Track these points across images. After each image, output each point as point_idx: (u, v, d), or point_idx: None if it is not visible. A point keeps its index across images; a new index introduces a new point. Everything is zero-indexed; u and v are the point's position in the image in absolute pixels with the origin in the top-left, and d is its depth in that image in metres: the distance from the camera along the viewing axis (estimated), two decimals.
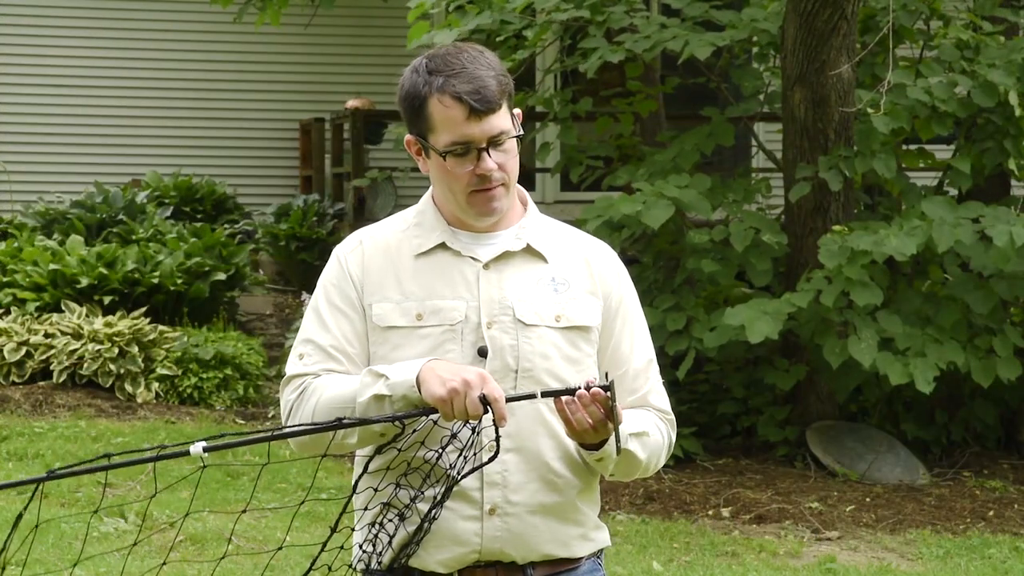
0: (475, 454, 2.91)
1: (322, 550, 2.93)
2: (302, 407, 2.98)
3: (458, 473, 2.91)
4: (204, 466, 2.80)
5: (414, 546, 2.97)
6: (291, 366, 3.04)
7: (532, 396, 2.88)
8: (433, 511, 2.93)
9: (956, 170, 9.59)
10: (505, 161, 2.97)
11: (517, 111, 3.04)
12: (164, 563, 2.90)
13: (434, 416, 2.85)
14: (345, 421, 2.85)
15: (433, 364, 2.87)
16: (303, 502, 2.99)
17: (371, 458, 2.94)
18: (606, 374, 2.91)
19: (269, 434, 2.85)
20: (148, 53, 13.95)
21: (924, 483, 9.35)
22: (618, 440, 2.87)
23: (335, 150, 13.57)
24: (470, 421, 2.84)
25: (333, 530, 2.94)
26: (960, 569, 7.71)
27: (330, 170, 13.74)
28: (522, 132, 3.01)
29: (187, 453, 2.73)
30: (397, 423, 2.85)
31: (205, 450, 2.74)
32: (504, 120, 2.96)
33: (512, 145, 2.98)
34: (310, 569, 2.93)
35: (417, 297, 3.01)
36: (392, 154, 13.28)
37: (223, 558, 2.94)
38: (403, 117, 3.02)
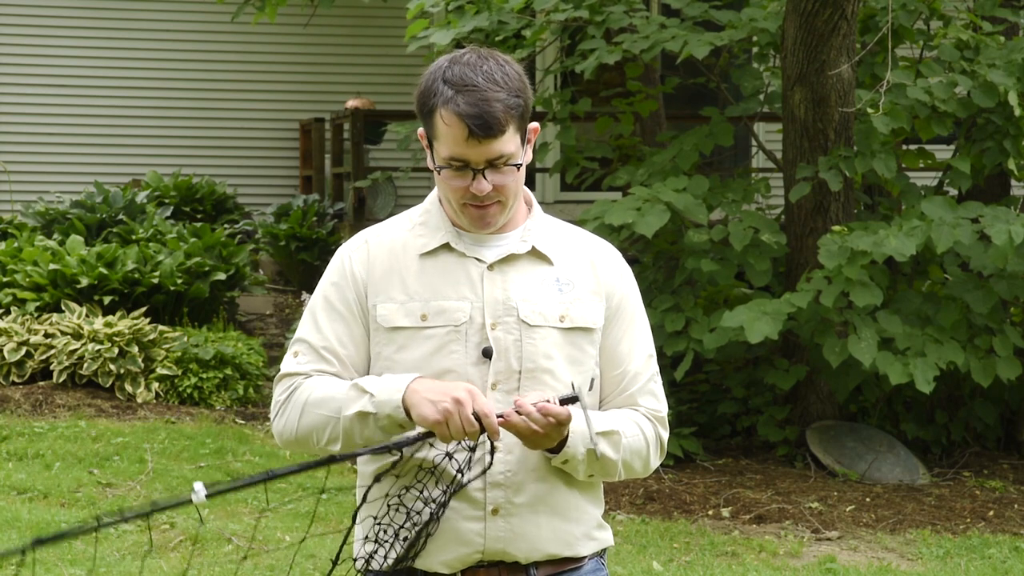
0: (484, 468, 2.92)
1: (314, 531, 2.93)
2: (289, 409, 3.01)
3: (458, 480, 2.92)
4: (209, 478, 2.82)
5: (413, 555, 2.97)
6: (286, 364, 3.06)
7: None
8: (433, 517, 2.93)
9: (956, 170, 9.60)
10: (503, 183, 2.95)
11: (534, 126, 3.00)
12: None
13: (431, 440, 2.86)
14: (338, 456, 2.88)
15: (417, 386, 2.86)
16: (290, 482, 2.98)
17: (379, 467, 2.96)
18: (572, 384, 2.91)
19: (265, 475, 2.85)
20: (148, 53, 13.96)
21: (924, 483, 9.35)
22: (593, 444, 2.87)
23: (335, 150, 13.58)
24: (466, 440, 2.84)
25: (335, 563, 2.94)
26: (960, 569, 7.71)
27: (330, 170, 13.74)
28: (526, 159, 2.97)
29: (190, 501, 2.76)
30: (394, 451, 2.87)
31: (208, 496, 2.76)
32: (507, 144, 2.92)
33: (513, 167, 2.95)
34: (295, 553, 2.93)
35: (422, 297, 3.01)
36: (392, 154, 13.30)
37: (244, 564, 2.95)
38: (416, 112, 3.01)
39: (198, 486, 2.74)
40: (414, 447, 2.88)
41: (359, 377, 3.01)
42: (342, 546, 3.00)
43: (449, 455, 2.90)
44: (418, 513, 2.94)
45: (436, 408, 2.80)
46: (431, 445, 2.89)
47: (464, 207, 2.97)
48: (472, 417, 2.79)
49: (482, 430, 2.82)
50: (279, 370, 3.07)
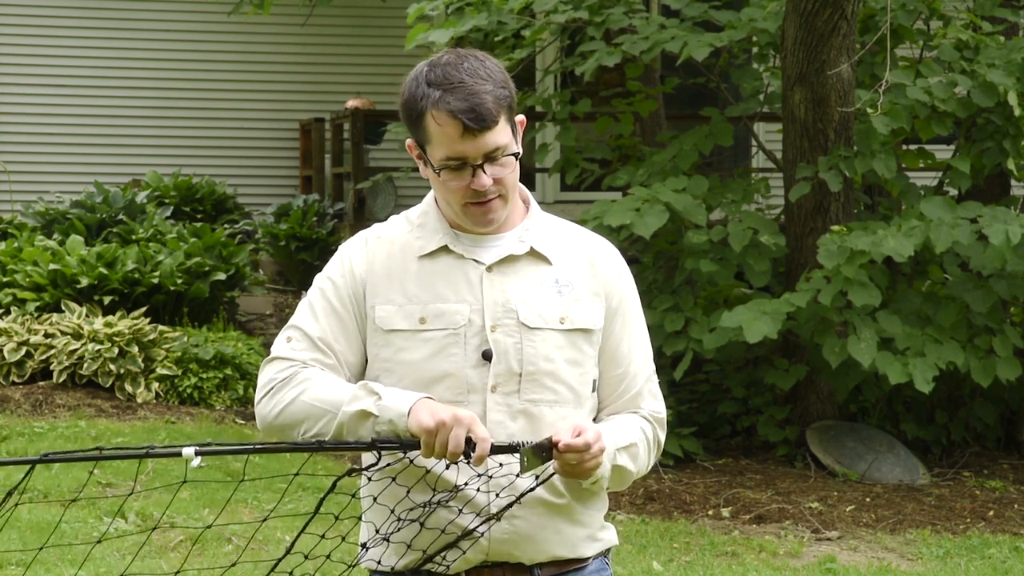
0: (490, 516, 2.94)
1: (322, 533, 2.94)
2: (283, 392, 2.96)
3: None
4: (202, 464, 2.81)
5: (437, 556, 2.98)
6: (278, 347, 3.02)
7: (514, 449, 2.86)
8: (464, 534, 2.95)
9: (956, 170, 9.60)
10: (502, 175, 2.95)
11: (520, 118, 3.00)
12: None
13: (412, 454, 2.84)
14: (326, 444, 2.87)
15: (429, 401, 2.86)
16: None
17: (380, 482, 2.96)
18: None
19: (252, 447, 2.84)
20: (148, 53, 13.96)
21: (924, 483, 9.35)
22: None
23: (335, 150, 13.58)
24: (447, 461, 2.83)
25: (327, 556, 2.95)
26: (960, 569, 7.72)
27: (330, 170, 13.74)
28: (520, 150, 2.98)
29: (179, 454, 2.75)
30: (374, 452, 2.84)
31: (197, 454, 2.76)
32: (501, 135, 2.92)
33: (510, 158, 2.95)
34: (291, 548, 2.94)
35: (420, 300, 2.99)
36: (392, 154, 13.30)
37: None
38: (403, 123, 3.01)
39: (190, 447, 2.76)
40: (394, 454, 2.86)
41: (351, 375, 3.00)
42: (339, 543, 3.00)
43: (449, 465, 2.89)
44: (415, 517, 2.95)
45: (434, 417, 2.79)
46: (411, 461, 2.88)
47: (466, 207, 2.96)
48: (462, 438, 2.78)
49: (467, 458, 2.81)
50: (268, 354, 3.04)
